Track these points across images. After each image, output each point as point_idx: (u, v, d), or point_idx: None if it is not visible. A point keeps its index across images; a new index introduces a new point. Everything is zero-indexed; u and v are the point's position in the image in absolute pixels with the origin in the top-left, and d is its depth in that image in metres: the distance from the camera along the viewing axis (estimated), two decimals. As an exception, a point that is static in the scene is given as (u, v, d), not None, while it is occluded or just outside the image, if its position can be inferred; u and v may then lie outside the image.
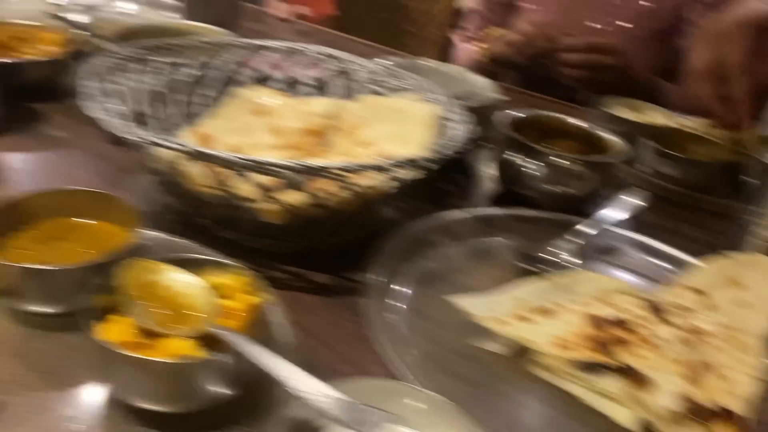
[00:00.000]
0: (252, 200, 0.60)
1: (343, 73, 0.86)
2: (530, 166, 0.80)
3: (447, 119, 0.73)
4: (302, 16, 1.64)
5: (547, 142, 0.88)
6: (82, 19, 1.27)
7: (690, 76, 0.93)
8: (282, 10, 1.61)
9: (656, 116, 1.08)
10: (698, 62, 0.91)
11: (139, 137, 0.55)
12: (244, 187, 0.58)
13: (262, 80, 0.85)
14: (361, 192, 0.59)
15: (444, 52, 2.30)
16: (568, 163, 0.79)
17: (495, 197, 0.86)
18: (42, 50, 0.95)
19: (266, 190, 0.57)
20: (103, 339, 0.43)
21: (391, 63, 0.96)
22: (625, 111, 1.08)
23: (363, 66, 0.85)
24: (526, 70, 1.36)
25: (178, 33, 0.99)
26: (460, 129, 0.69)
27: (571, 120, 0.88)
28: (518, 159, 0.81)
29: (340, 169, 0.54)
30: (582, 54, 1.24)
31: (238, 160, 0.53)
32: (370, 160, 0.70)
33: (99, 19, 1.21)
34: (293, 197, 0.59)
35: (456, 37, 1.63)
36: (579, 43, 1.25)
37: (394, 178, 0.61)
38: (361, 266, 0.64)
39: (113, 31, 0.92)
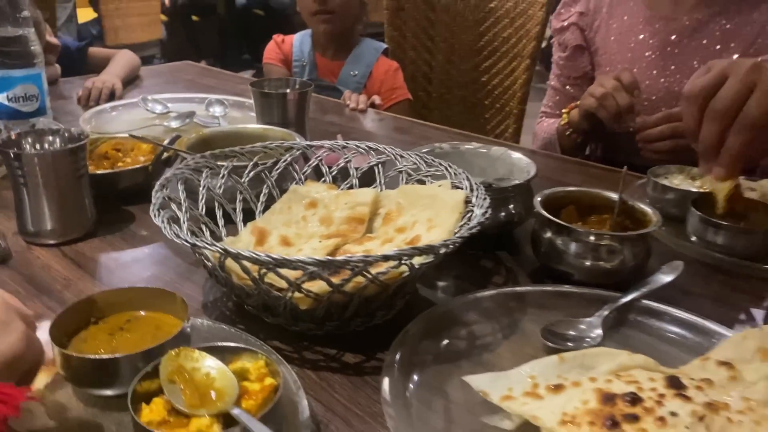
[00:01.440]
0: (283, 290, 0.68)
1: (385, 164, 0.94)
2: (563, 243, 0.83)
3: (471, 203, 0.78)
4: (373, 105, 1.76)
5: (586, 216, 0.91)
6: (177, 125, 1.46)
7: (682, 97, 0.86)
8: (354, 100, 1.74)
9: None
10: (694, 83, 0.85)
11: (185, 240, 0.65)
12: (276, 280, 0.66)
13: (316, 175, 0.95)
14: (378, 279, 0.65)
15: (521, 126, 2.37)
16: (596, 238, 0.81)
17: (534, 274, 0.89)
18: (136, 159, 1.10)
19: (293, 281, 0.65)
20: (142, 419, 0.52)
21: (431, 149, 1.03)
22: (680, 178, 1.08)
23: (402, 156, 0.93)
24: (609, 132, 1.36)
25: (247, 137, 1.12)
26: (477, 213, 0.74)
27: (607, 194, 0.90)
28: (551, 236, 0.84)
29: (353, 261, 0.61)
30: (663, 127, 1.24)
31: (262, 258, 0.61)
32: (381, 251, 0.76)
33: (185, 126, 1.38)
34: (317, 286, 0.66)
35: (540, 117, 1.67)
36: (657, 117, 1.25)
37: (409, 265, 0.67)
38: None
39: (190, 139, 1.06)
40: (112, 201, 1.04)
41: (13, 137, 0.92)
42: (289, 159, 0.94)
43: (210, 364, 0.57)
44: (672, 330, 0.74)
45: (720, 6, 1.34)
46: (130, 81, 1.90)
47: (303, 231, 0.88)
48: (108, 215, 1.00)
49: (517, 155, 1.02)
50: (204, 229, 0.82)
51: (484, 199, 0.77)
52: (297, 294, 0.67)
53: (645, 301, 0.77)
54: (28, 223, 0.92)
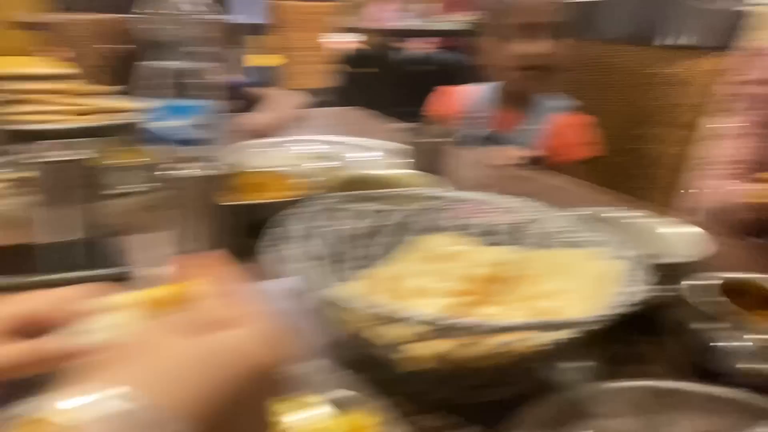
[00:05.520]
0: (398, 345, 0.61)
1: (533, 223, 0.86)
2: (731, 341, 0.70)
3: (628, 278, 0.68)
4: (537, 160, 1.63)
5: (761, 311, 0.76)
6: (323, 166, 1.47)
7: None
8: (504, 157, 1.65)
9: None
10: None
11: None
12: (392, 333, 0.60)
13: (457, 228, 0.89)
14: (511, 350, 0.57)
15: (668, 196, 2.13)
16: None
17: (682, 369, 0.75)
18: (275, 194, 1.10)
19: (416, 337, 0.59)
20: None
21: (586, 214, 0.93)
22: None
23: (555, 217, 0.85)
24: None
25: (387, 184, 1.08)
26: (635, 289, 0.64)
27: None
28: (716, 331, 0.71)
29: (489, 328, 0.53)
30: None
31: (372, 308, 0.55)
32: (522, 318, 0.68)
33: (324, 169, 1.39)
34: (441, 346, 0.59)
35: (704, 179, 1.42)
36: None
37: (550, 339, 0.58)
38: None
39: (329, 181, 1.05)
40: (246, 232, 1.03)
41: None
42: (431, 208, 0.90)
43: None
44: None
45: None
46: (293, 122, 1.95)
47: (436, 285, 0.82)
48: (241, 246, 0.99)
49: (672, 231, 0.90)
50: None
51: (648, 275, 0.66)
52: (418, 351, 0.60)
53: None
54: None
